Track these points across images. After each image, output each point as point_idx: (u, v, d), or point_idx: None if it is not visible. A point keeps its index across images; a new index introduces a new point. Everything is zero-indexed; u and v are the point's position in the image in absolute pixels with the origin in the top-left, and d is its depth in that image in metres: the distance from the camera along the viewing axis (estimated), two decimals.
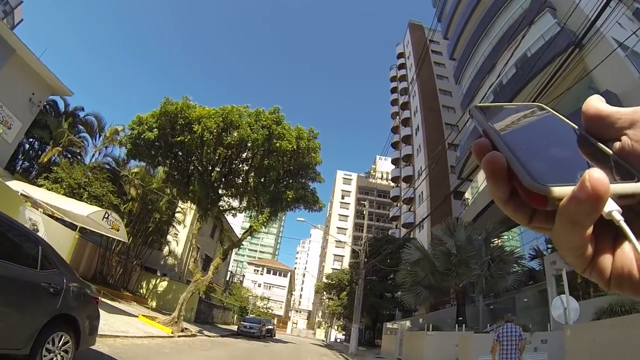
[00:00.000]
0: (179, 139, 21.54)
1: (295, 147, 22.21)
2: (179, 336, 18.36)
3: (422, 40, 63.55)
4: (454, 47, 43.42)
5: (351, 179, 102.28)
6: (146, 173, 30.70)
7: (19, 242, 5.87)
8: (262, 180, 23.14)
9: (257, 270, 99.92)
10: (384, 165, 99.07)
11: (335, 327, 69.39)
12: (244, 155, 23.87)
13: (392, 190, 69.35)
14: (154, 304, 31.78)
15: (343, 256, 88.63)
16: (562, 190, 0.48)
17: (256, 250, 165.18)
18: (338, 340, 62.80)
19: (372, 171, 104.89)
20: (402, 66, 74.04)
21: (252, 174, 23.67)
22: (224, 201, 26.66)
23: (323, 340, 64.84)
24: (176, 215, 34.28)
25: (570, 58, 13.05)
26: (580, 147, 0.56)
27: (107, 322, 13.87)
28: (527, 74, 23.65)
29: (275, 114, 22.47)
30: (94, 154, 28.09)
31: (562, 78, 13.98)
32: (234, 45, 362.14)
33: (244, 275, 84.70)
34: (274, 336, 41.13)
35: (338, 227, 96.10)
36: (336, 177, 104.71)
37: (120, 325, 14.75)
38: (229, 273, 63.29)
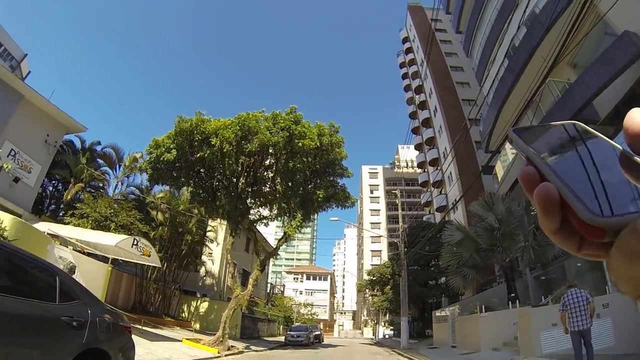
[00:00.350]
0: (198, 155, 21.11)
1: (318, 144, 21.58)
2: (226, 355, 17.82)
3: (424, 21, 63.96)
4: (458, 19, 42.48)
5: (377, 172, 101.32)
6: (171, 196, 30.49)
7: (31, 274, 5.34)
8: (289, 184, 22.61)
9: (297, 278, 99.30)
10: (407, 154, 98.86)
11: (383, 324, 68.27)
12: (267, 161, 23.35)
13: (420, 176, 68.14)
14: (197, 326, 31.49)
15: (380, 251, 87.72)
16: (622, 223, 0.48)
17: (293, 259, 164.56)
18: (386, 337, 61.68)
19: (396, 161, 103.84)
20: (409, 50, 73.22)
21: (278, 180, 23.15)
22: (254, 211, 26.18)
23: (371, 339, 64.09)
24: (207, 234, 33.83)
25: (585, 8, 12.00)
26: (627, 169, 0.54)
27: (150, 351, 13.46)
28: (539, 32, 22.45)
29: (292, 114, 21.89)
30: (116, 185, 28.13)
31: (576, 30, 12.97)
32: (237, 51, 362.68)
33: (284, 285, 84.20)
34: (322, 341, 40.39)
35: (371, 223, 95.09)
36: (362, 172, 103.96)
37: (164, 351, 14.29)
38: (268, 285, 62.96)
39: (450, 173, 47.97)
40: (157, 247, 27.77)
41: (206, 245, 34.51)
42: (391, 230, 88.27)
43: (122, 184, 28.88)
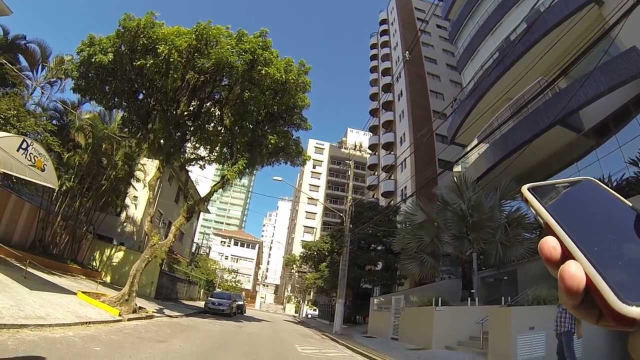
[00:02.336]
0: (138, 63, 17.06)
1: (283, 78, 18.10)
2: (129, 319, 14.05)
3: (408, 6, 64.33)
4: (450, 6, 40.91)
5: (323, 148, 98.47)
6: (100, 119, 25.67)
7: None
8: (239, 118, 18.86)
9: (224, 242, 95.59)
10: (355, 138, 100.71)
11: (307, 302, 66.10)
12: (219, 86, 19.65)
13: (369, 158, 66.68)
14: (108, 278, 27.49)
15: (314, 228, 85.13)
16: None
17: (222, 222, 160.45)
18: (309, 316, 59.61)
19: (342, 143, 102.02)
20: (384, 32, 71.83)
21: (227, 111, 19.19)
22: (190, 148, 22.41)
23: (294, 317, 61.73)
24: (135, 173, 29.15)
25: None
26: None
27: (20, 304, 9.74)
28: (540, 30, 21.66)
29: (261, 38, 18.13)
30: (34, 90, 22.79)
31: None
32: None
33: (210, 247, 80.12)
34: (244, 313, 37.21)
35: (309, 198, 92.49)
36: (308, 145, 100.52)
37: (42, 307, 10.51)
38: (194, 245, 58.94)
39: (405, 160, 46.21)
40: (72, 177, 23.47)
41: (132, 185, 29.98)
42: (327, 209, 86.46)
43: (43, 92, 23.75)
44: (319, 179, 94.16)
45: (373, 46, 76.36)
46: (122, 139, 25.93)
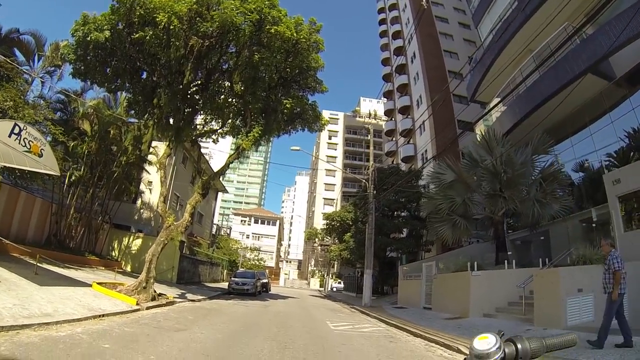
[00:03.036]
0: (137, 36, 15.86)
1: (295, 36, 16.81)
2: (147, 308, 13.21)
3: None
4: None
5: (337, 119, 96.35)
6: (105, 106, 24.49)
7: None
8: (250, 84, 17.57)
9: (244, 221, 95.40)
10: (368, 107, 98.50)
11: (331, 276, 65.49)
12: (226, 53, 18.28)
13: (385, 124, 65.18)
14: (128, 267, 26.87)
15: (334, 199, 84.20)
16: None
17: (241, 202, 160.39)
18: (334, 289, 58.97)
19: (356, 112, 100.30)
20: None
21: (236, 78, 17.88)
22: (201, 121, 21.33)
23: (319, 291, 61.22)
24: (147, 157, 28.00)
25: None
26: None
27: (26, 302, 8.91)
28: None
29: None
30: (32, 81, 21.52)
31: None
32: None
33: (230, 228, 79.88)
34: (270, 291, 36.52)
35: (326, 170, 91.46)
36: (321, 117, 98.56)
37: (51, 303, 9.65)
38: (214, 226, 58.39)
39: (423, 122, 45.09)
40: (82, 167, 22.62)
41: (145, 169, 28.93)
42: (347, 179, 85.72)
43: (43, 83, 22.43)
44: (335, 149, 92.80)
45: (381, 10, 74.20)
46: (129, 122, 24.95)
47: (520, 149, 19.95)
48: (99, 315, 10.06)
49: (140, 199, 31.05)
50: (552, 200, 18.68)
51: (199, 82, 19.10)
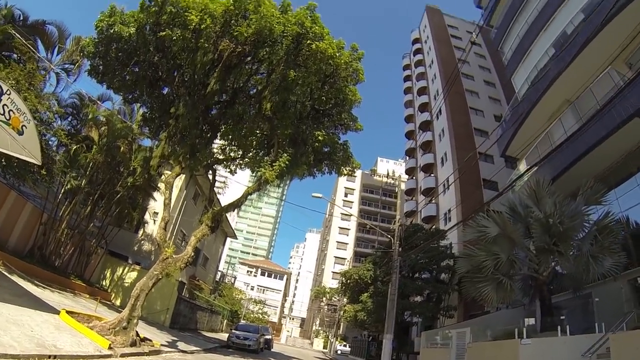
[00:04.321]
0: (163, 34, 14.03)
1: (335, 57, 14.59)
2: (122, 355, 10.23)
3: (441, 23, 64.17)
4: (491, 11, 39.17)
5: (355, 176, 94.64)
6: (119, 118, 22.29)
7: None
8: (281, 106, 15.27)
9: (250, 272, 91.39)
10: (386, 168, 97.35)
11: (336, 337, 61.47)
12: (257, 71, 16.35)
13: (406, 183, 63.22)
14: (118, 301, 23.98)
15: (345, 259, 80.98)
16: None
17: (249, 253, 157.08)
18: (339, 352, 54.86)
19: (374, 172, 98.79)
20: (417, 51, 70.35)
21: (268, 95, 15.38)
22: (220, 145, 18.98)
23: (324, 353, 57.05)
24: (156, 178, 25.14)
25: None
26: None
27: None
28: (601, 18, 18.38)
29: (309, 12, 14.69)
30: (48, 72, 19.62)
31: None
32: None
33: (235, 277, 76.30)
34: (272, 348, 33.07)
35: (340, 227, 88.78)
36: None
37: None
38: (219, 273, 55.32)
39: (447, 181, 43.25)
40: (80, 177, 20.33)
41: (152, 196, 26.46)
42: (360, 239, 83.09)
43: (58, 81, 20.40)
44: (350, 207, 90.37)
45: (406, 67, 75.04)
46: (140, 142, 22.96)
47: (567, 200, 17.34)
48: (49, 357, 7.23)
49: (142, 229, 28.47)
50: (608, 255, 15.81)
51: (224, 100, 17.00)
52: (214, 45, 14.15)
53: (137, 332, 12.63)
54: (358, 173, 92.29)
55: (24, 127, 9.66)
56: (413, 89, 67.66)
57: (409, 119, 67.60)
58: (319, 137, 16.23)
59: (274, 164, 15.44)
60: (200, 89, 15.59)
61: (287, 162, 15.26)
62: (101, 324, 12.10)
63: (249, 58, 15.47)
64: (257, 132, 17.45)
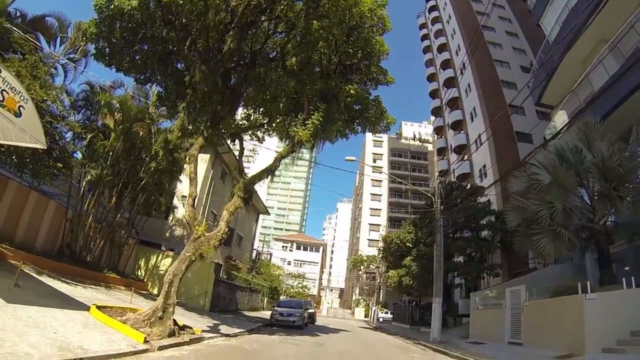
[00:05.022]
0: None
1: (359, 3, 13.42)
2: (160, 348, 9.29)
3: None
4: None
5: (382, 141, 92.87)
6: (132, 103, 21.51)
7: None
8: (307, 63, 14.08)
9: (286, 247, 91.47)
10: (410, 131, 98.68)
11: (377, 305, 60.94)
12: (275, 29, 15.29)
13: (437, 142, 61.78)
14: (155, 289, 23.51)
15: (379, 225, 79.97)
16: None
17: (282, 229, 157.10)
18: (381, 320, 54.20)
19: (399, 136, 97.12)
20: (433, 8, 68.75)
21: (291, 49, 14.25)
22: (244, 113, 17.92)
23: (366, 321, 56.65)
24: (183, 165, 23.92)
25: None
26: None
27: None
28: None
29: None
30: (54, 63, 18.76)
31: None
32: None
33: (271, 254, 76.13)
34: (315, 322, 32.45)
35: (372, 194, 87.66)
36: (365, 140, 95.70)
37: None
38: (254, 251, 54.98)
39: (480, 136, 41.66)
40: (102, 168, 19.64)
41: (178, 178, 25.66)
42: (392, 204, 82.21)
43: (66, 73, 19.86)
44: (380, 172, 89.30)
45: (422, 26, 73.77)
46: (159, 119, 22.19)
47: (620, 141, 15.82)
48: None
49: (172, 214, 27.94)
50: None
51: (243, 63, 15.81)
52: (225, 1, 12.95)
53: (174, 320, 11.83)
54: (384, 137, 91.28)
55: (21, 108, 8.61)
56: (432, 47, 66.13)
57: (432, 77, 66.30)
58: (351, 92, 15.15)
59: (306, 123, 14.28)
60: (216, 54, 14.49)
61: (320, 119, 14.08)
62: (135, 315, 11.28)
63: (264, 16, 14.30)
64: (283, 93, 16.27)
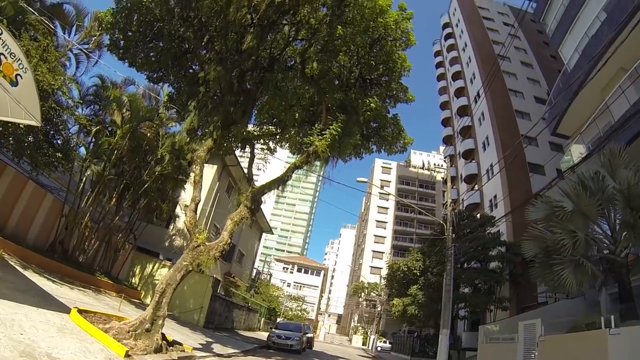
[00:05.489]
0: None
1: (386, 13, 12.81)
2: None
3: (471, 5, 61.74)
4: None
5: (390, 168, 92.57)
6: (142, 100, 20.92)
7: None
8: (327, 70, 13.44)
9: (287, 268, 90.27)
10: (420, 160, 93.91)
11: (377, 334, 59.45)
12: (297, 34, 14.50)
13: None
14: (148, 299, 22.48)
15: (383, 252, 78.91)
16: None
17: (283, 250, 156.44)
18: (379, 349, 52.73)
19: (408, 164, 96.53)
20: (449, 36, 68.74)
21: (311, 53, 13.60)
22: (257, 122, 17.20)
23: (364, 350, 55.23)
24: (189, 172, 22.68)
25: None
26: None
27: None
28: None
29: None
30: (66, 51, 18.04)
31: None
32: None
33: (271, 274, 74.90)
34: (313, 347, 31.25)
35: (377, 220, 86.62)
36: (374, 165, 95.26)
37: None
38: (254, 270, 53.91)
39: (492, 166, 41.06)
40: (104, 165, 18.93)
41: (182, 185, 24.38)
42: (397, 232, 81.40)
43: (78, 63, 19.14)
44: (387, 200, 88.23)
45: (437, 53, 73.77)
46: (167, 122, 21.72)
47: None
48: None
49: (173, 223, 27.12)
50: None
51: (261, 66, 15.13)
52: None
53: (163, 334, 10.69)
54: (393, 164, 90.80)
55: (18, 77, 7.88)
56: (447, 74, 66.09)
57: (444, 105, 65.97)
58: (372, 105, 14.38)
59: (324, 133, 13.36)
60: (234, 54, 13.82)
61: (339, 130, 13.18)
62: (119, 325, 10.13)
63: (286, 19, 13.70)
64: (299, 103, 15.66)
